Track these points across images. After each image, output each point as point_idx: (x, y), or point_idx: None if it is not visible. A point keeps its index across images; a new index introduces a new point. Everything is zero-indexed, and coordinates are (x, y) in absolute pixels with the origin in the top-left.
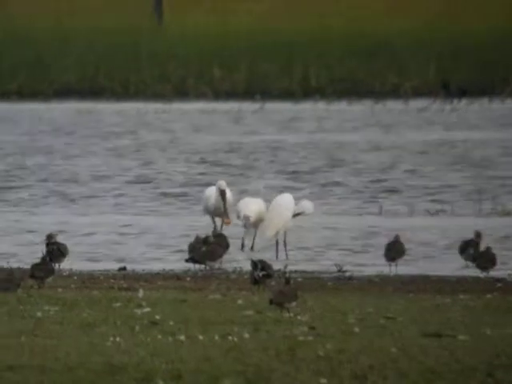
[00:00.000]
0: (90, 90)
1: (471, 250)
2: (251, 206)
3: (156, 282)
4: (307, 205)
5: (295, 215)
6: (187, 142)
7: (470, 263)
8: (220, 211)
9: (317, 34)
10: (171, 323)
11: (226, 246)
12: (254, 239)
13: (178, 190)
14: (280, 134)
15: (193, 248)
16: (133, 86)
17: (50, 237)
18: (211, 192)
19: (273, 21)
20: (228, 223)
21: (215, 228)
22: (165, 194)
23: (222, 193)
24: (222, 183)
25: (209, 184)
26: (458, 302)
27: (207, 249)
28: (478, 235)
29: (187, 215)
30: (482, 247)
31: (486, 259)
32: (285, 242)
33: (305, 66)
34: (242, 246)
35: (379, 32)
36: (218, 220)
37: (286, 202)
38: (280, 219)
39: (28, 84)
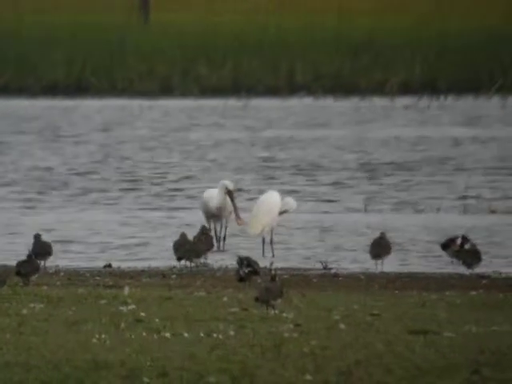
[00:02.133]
0: (76, 87)
1: (456, 247)
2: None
3: (141, 279)
4: (291, 202)
5: (281, 213)
6: (173, 139)
7: (454, 260)
8: (221, 212)
9: (303, 31)
10: (156, 320)
11: (211, 246)
12: (224, 230)
13: (163, 188)
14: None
15: (178, 246)
16: (119, 82)
17: (36, 235)
18: (211, 193)
19: (259, 18)
20: (241, 223)
21: (216, 232)
22: (149, 192)
23: (230, 193)
24: (229, 183)
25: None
26: (444, 298)
27: (191, 246)
28: (465, 238)
29: (174, 212)
30: (468, 245)
31: (471, 256)
32: (271, 239)
33: (291, 63)
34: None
35: (365, 29)
36: (216, 221)
37: (272, 199)
38: (266, 217)
39: (14, 80)
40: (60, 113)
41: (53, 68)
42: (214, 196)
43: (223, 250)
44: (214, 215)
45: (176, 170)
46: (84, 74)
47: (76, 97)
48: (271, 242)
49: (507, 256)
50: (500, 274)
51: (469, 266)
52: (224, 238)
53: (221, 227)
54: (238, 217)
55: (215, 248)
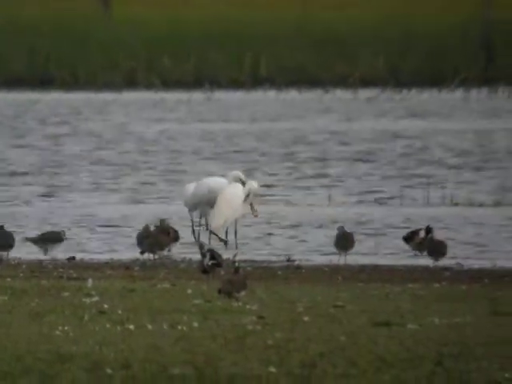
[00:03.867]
0: (39, 80)
1: (419, 240)
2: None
3: (105, 271)
4: (252, 184)
5: (247, 199)
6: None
7: (418, 253)
8: (212, 203)
9: (267, 24)
10: (120, 312)
11: (176, 238)
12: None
13: (121, 180)
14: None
15: (141, 238)
16: (82, 75)
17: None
18: (219, 185)
19: (222, 10)
20: (257, 215)
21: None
22: (111, 182)
23: (242, 184)
24: (241, 174)
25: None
26: (407, 291)
27: (154, 239)
28: (429, 229)
29: (136, 204)
30: (433, 237)
31: (436, 249)
32: (235, 231)
33: (254, 56)
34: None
35: (329, 22)
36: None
37: (234, 191)
38: (228, 209)
39: None
40: (21, 106)
41: (15, 61)
42: (220, 186)
43: (226, 243)
44: (206, 207)
45: (142, 163)
46: (47, 66)
47: (39, 90)
48: (235, 234)
49: (470, 248)
50: (463, 266)
51: (433, 257)
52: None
53: (203, 217)
54: (253, 209)
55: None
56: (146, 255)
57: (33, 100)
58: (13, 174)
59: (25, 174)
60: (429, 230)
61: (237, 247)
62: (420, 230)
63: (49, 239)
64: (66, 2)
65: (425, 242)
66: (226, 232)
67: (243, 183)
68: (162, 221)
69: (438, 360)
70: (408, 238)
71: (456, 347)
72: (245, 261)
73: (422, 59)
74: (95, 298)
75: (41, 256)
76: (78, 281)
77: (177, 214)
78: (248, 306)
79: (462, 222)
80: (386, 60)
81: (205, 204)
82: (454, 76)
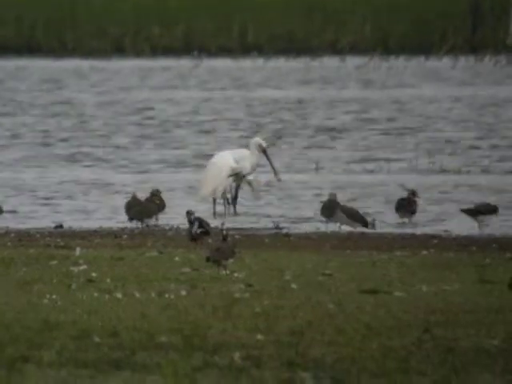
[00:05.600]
0: (27, 47)
1: (407, 206)
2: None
3: (93, 239)
4: (246, 165)
5: (232, 175)
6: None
7: (406, 220)
8: (253, 171)
9: None
10: (108, 281)
11: (163, 206)
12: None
13: (114, 149)
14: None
15: (129, 207)
16: (70, 42)
17: None
18: (240, 154)
19: None
20: (280, 180)
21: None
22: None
23: (265, 150)
24: (262, 141)
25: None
26: (395, 258)
27: (142, 207)
28: (413, 193)
29: (118, 174)
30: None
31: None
32: (224, 199)
33: (243, 23)
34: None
35: None
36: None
37: (222, 160)
38: (216, 178)
39: None
40: (8, 72)
41: (2, 27)
42: (242, 156)
43: (236, 214)
44: (237, 176)
45: (132, 130)
46: (34, 33)
47: (26, 56)
48: (224, 203)
49: (458, 216)
50: (450, 233)
51: (400, 212)
52: (236, 200)
53: (237, 188)
54: (276, 174)
55: (229, 212)
56: (134, 223)
57: (20, 67)
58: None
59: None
60: (413, 194)
61: (225, 215)
62: (407, 197)
63: None
64: None
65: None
66: (214, 200)
67: (264, 150)
68: (154, 190)
69: (425, 327)
70: (396, 206)
71: (443, 315)
72: (233, 229)
73: (410, 26)
74: (83, 267)
75: (28, 225)
76: (66, 249)
77: (165, 183)
78: (236, 274)
79: (450, 189)
80: (373, 27)
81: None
82: (441, 44)
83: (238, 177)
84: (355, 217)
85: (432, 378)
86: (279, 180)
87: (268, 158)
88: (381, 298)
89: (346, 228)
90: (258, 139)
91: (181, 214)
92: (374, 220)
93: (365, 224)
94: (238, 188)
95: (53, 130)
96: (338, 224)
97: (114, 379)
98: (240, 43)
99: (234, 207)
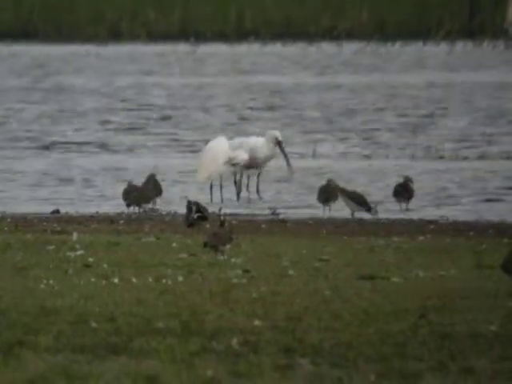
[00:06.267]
0: (23, 32)
1: (404, 192)
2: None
3: (90, 224)
4: (241, 156)
5: (228, 162)
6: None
7: (403, 205)
8: (267, 162)
9: None
10: (105, 266)
11: (159, 191)
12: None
13: (112, 134)
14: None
15: (127, 192)
16: (66, 27)
17: None
18: (255, 143)
19: None
20: (293, 172)
21: (241, 183)
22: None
23: (280, 143)
24: (278, 133)
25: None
26: (391, 244)
27: (139, 192)
28: (409, 179)
29: (119, 159)
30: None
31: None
32: (220, 185)
33: (239, 8)
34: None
35: None
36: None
37: (218, 146)
38: (211, 163)
39: None
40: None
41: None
42: (259, 146)
43: (260, 198)
44: (252, 166)
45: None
46: (31, 18)
47: (22, 42)
48: (220, 188)
49: (455, 201)
50: (447, 219)
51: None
52: (258, 189)
53: (258, 177)
54: (289, 166)
55: (248, 199)
56: (132, 208)
57: (17, 52)
58: None
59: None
60: (408, 179)
61: (222, 201)
62: (404, 183)
63: None
64: None
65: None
66: (211, 185)
67: (279, 143)
68: (151, 175)
69: (422, 313)
70: (393, 192)
71: (440, 300)
72: (230, 214)
73: (407, 11)
74: (80, 252)
75: (25, 210)
76: (63, 234)
77: (165, 167)
78: (233, 260)
79: (447, 176)
80: (370, 12)
81: (242, 164)
82: (438, 29)
83: (237, 166)
84: (359, 200)
85: (429, 363)
86: (292, 173)
87: (283, 151)
88: (378, 284)
89: (345, 213)
90: (274, 132)
91: (178, 198)
92: (376, 206)
93: (368, 209)
94: (259, 175)
95: (50, 115)
96: (338, 208)
97: (111, 364)
98: (236, 28)
99: (238, 195)
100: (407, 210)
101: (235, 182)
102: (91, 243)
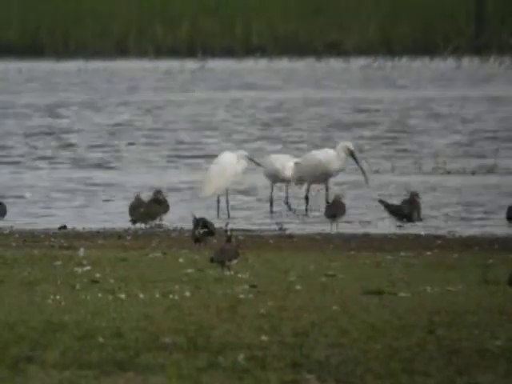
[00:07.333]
0: (30, 48)
1: (408, 208)
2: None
3: (96, 240)
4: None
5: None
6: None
7: (413, 221)
8: (337, 174)
9: None
10: (112, 281)
11: (167, 207)
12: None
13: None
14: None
15: (133, 208)
16: (73, 43)
17: None
18: (305, 160)
19: None
20: (369, 182)
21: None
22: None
23: (353, 153)
24: (350, 144)
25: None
26: (399, 259)
27: (146, 209)
28: (416, 194)
29: (131, 174)
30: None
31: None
32: (227, 200)
33: (247, 24)
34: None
35: None
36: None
37: (225, 161)
38: (218, 179)
39: None
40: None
41: (6, 28)
42: (331, 158)
43: (310, 210)
44: (323, 179)
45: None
46: (38, 34)
47: (30, 58)
48: (227, 203)
49: (462, 216)
50: (454, 234)
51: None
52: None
53: (308, 190)
54: (366, 177)
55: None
56: (138, 224)
57: (24, 68)
58: None
59: None
60: (415, 195)
61: (229, 216)
62: (410, 199)
63: None
64: None
65: (414, 210)
66: (218, 200)
67: (352, 153)
68: (156, 191)
69: (429, 328)
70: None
71: (448, 315)
72: (237, 229)
73: (414, 27)
74: (87, 268)
75: (33, 225)
76: (70, 250)
77: (169, 184)
78: (240, 275)
79: (455, 190)
80: (377, 28)
81: (311, 177)
82: (445, 45)
83: (306, 180)
84: (397, 211)
85: (436, 379)
86: (368, 182)
87: (356, 161)
88: (385, 299)
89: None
90: (347, 143)
91: (184, 215)
92: (415, 211)
93: (406, 217)
94: (308, 190)
95: (56, 131)
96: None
97: (118, 380)
98: (243, 44)
99: (271, 206)
100: (413, 224)
101: (306, 198)
102: (98, 259)
